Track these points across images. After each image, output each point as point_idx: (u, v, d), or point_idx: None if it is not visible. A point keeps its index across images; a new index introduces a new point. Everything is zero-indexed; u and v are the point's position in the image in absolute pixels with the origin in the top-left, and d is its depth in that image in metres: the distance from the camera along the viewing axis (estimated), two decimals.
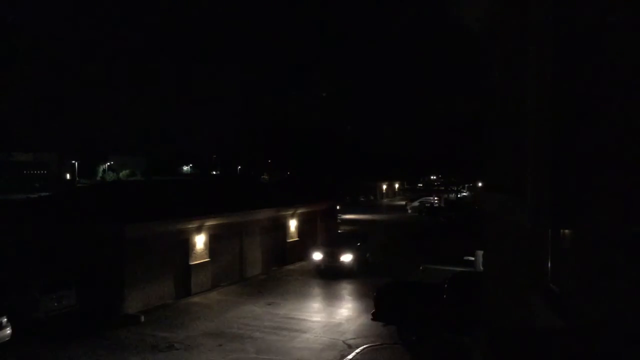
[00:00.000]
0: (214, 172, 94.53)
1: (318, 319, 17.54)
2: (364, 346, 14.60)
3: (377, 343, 14.81)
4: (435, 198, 63.44)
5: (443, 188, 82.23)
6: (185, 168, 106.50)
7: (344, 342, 15.02)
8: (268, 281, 23.00)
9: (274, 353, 14.08)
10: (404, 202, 66.93)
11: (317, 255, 24.46)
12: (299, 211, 27.90)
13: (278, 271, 25.10)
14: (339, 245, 24.68)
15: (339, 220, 36.09)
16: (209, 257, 21.13)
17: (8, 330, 13.74)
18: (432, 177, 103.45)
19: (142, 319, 16.68)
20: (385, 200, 78.57)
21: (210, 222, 21.10)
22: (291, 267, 26.05)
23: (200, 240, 20.58)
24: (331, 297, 20.64)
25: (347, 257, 23.78)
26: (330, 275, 23.39)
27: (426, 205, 57.74)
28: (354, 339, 15.30)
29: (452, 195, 70.45)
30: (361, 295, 20.38)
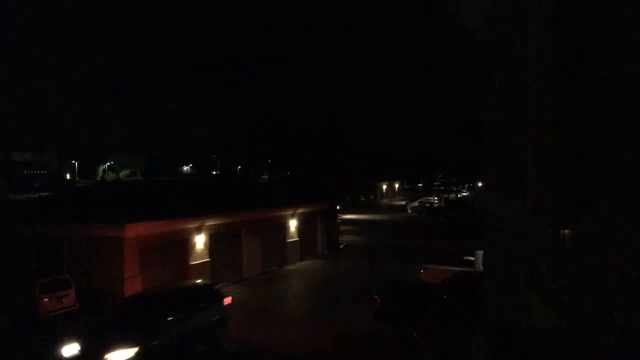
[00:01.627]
0: (214, 172, 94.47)
1: None
2: None
3: None
4: (435, 198, 63.47)
5: (443, 188, 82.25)
6: (185, 168, 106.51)
7: None
8: (267, 281, 22.97)
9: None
10: (404, 202, 66.96)
11: (70, 349, 11.58)
12: (299, 211, 27.91)
13: (277, 271, 25.09)
14: (114, 325, 12.18)
15: (339, 220, 36.05)
16: (209, 257, 21.14)
17: (8, 331, 13.76)
18: (432, 177, 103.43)
19: None
20: (385, 200, 78.58)
21: (210, 222, 21.11)
22: (291, 267, 26.04)
23: (200, 240, 20.58)
24: None
25: (119, 356, 11.24)
26: None
27: (426, 205, 57.82)
28: None
29: (452, 195, 70.43)
30: None
